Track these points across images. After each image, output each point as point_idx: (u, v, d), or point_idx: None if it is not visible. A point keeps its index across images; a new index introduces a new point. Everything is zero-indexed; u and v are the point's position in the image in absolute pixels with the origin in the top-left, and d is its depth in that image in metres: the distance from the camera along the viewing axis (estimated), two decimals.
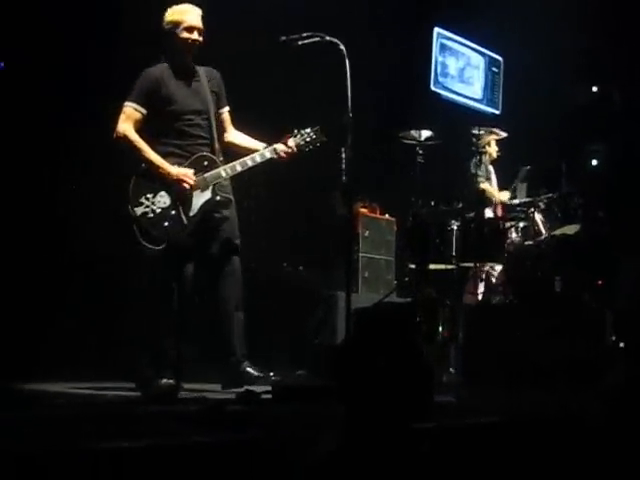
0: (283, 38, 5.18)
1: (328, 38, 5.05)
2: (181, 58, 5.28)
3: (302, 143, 5.41)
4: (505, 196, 8.48)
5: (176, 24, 5.21)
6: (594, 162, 10.81)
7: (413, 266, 7.37)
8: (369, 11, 8.13)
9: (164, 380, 4.83)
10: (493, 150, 8.52)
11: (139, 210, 4.92)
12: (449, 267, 7.26)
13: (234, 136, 5.46)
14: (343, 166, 5.24)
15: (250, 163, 5.26)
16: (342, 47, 4.97)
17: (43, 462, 2.54)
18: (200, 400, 4.52)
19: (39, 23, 5.99)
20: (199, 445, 2.95)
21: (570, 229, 7.79)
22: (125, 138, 5.04)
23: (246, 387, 4.88)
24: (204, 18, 5.26)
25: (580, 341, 6.57)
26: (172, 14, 5.26)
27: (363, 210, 8.23)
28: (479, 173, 7.81)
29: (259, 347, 5.50)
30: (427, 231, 7.13)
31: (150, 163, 5.03)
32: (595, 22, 9.66)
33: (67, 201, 6.28)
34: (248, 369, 5.11)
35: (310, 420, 3.81)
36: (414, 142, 7.50)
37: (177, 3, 5.29)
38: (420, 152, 7.44)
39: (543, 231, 7.72)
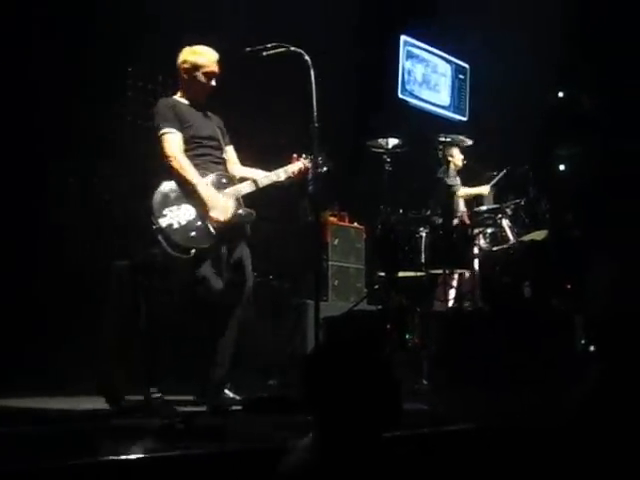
0: (248, 49, 5.19)
1: (293, 48, 5.05)
2: (195, 97, 5.34)
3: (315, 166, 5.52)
4: (485, 190, 8.47)
5: (195, 67, 5.27)
6: (561, 167, 10.89)
7: (383, 274, 7.38)
8: (335, 19, 8.14)
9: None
10: (458, 160, 8.52)
11: (164, 221, 4.90)
12: (419, 274, 7.27)
13: (239, 170, 5.50)
14: (310, 175, 5.27)
15: (266, 181, 5.36)
16: (307, 58, 4.98)
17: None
18: (171, 413, 4.49)
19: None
20: (170, 458, 2.93)
21: (538, 234, 7.83)
22: (177, 162, 5.04)
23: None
24: (220, 62, 5.32)
25: (550, 346, 6.61)
26: (192, 54, 5.30)
27: (332, 218, 8.23)
28: (451, 182, 7.84)
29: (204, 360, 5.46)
30: (396, 239, 7.14)
31: (193, 187, 5.03)
32: (562, 27, 9.73)
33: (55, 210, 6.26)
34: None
35: (281, 431, 3.80)
36: (382, 150, 7.52)
37: None
38: (388, 160, 7.47)
39: (511, 237, 7.75)
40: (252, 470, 3.01)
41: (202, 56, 5.30)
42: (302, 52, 5.00)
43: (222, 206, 5.10)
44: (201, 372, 5.20)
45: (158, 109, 5.22)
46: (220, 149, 5.39)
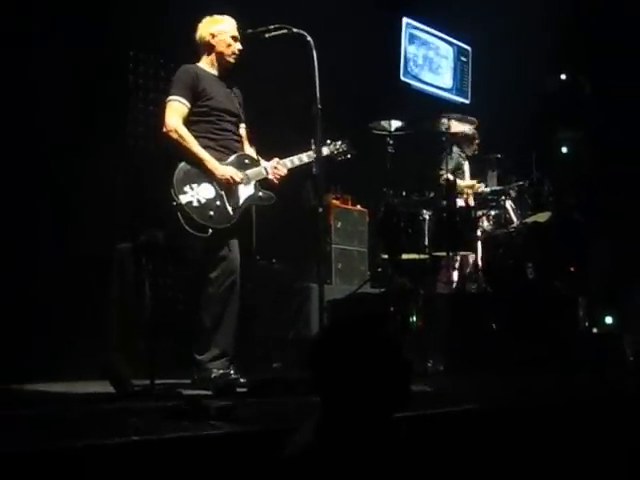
0: (250, 30, 5.21)
1: (295, 30, 5.04)
2: (221, 66, 5.39)
3: (335, 153, 5.69)
4: (480, 187, 8.44)
5: (222, 32, 5.35)
6: (564, 150, 10.87)
7: (386, 256, 7.38)
8: (337, 2, 8.10)
9: None
10: (476, 145, 8.52)
11: (184, 198, 4.93)
12: (422, 257, 7.26)
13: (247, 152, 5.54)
14: (314, 158, 5.28)
15: (289, 165, 5.45)
16: (309, 39, 4.96)
17: (20, 462, 2.52)
18: (176, 395, 4.50)
19: None
20: (176, 440, 2.94)
21: (541, 216, 7.82)
22: (176, 132, 5.07)
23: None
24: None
25: (553, 327, 6.62)
26: (214, 23, 5.38)
27: (335, 201, 8.23)
28: (449, 166, 7.80)
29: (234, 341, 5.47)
30: (399, 221, 7.13)
31: (199, 159, 5.07)
32: (563, 10, 9.70)
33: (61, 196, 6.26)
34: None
35: (286, 413, 3.81)
36: (384, 132, 7.50)
37: None
38: (391, 142, 7.45)
39: (514, 219, 7.74)
40: (258, 452, 3.01)
41: (224, 22, 5.38)
42: (304, 34, 4.98)
43: (234, 172, 5.15)
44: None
45: (177, 75, 5.27)
46: (239, 126, 5.42)
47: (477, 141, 8.56)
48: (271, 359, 6.63)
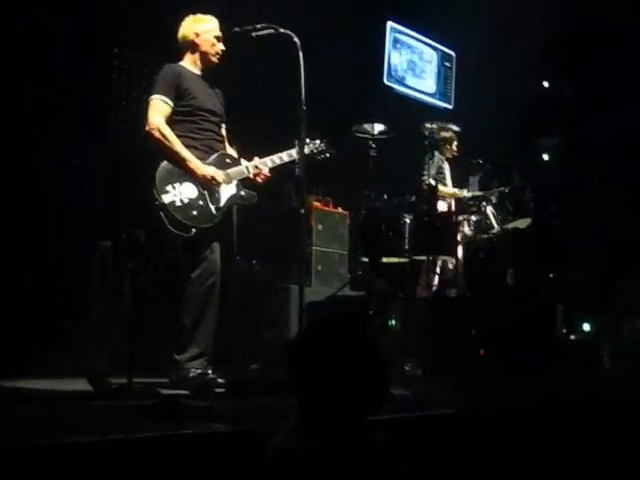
0: (236, 29, 5.19)
1: (282, 30, 5.04)
2: (205, 65, 5.39)
3: (315, 152, 5.73)
4: (463, 193, 8.44)
5: (206, 31, 5.36)
6: (545, 156, 10.91)
7: (366, 259, 7.38)
8: (323, 4, 8.11)
9: None
10: (454, 149, 8.54)
11: (167, 198, 4.92)
12: (402, 260, 7.27)
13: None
14: (296, 159, 5.28)
15: (270, 164, 5.45)
16: (296, 39, 4.97)
17: None
18: (154, 394, 4.48)
19: None
20: (154, 439, 2.93)
21: (522, 223, 7.85)
22: (158, 131, 5.05)
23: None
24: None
25: (531, 333, 6.64)
26: (197, 22, 5.39)
27: (316, 203, 8.22)
28: (430, 171, 7.81)
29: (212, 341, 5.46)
30: (380, 224, 7.13)
31: (181, 158, 5.06)
32: (546, 17, 9.74)
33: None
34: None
35: (264, 414, 3.81)
36: (367, 136, 7.52)
37: None
38: (373, 146, 7.47)
39: (495, 225, 7.77)
40: (236, 452, 3.01)
41: (207, 22, 5.39)
42: (291, 34, 4.99)
43: (215, 172, 5.15)
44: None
45: (161, 74, 5.24)
46: (221, 126, 5.42)
47: (456, 142, 8.56)
48: (250, 360, 6.61)
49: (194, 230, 4.96)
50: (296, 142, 5.30)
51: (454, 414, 4.03)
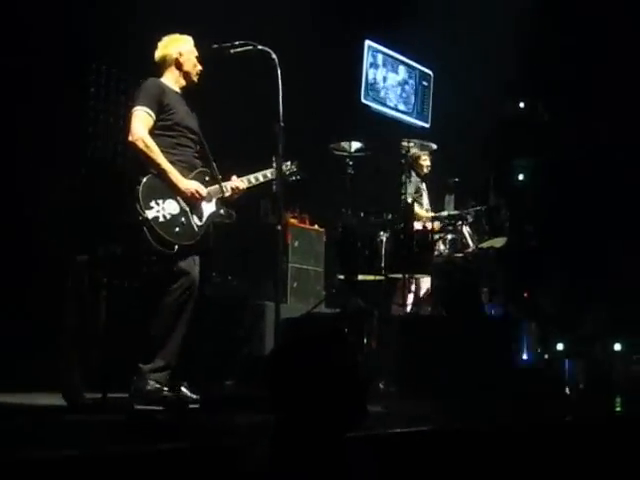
0: (215, 45, 5.21)
1: (260, 47, 5.06)
2: (183, 85, 5.39)
3: (287, 173, 5.66)
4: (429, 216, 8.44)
5: (189, 52, 5.37)
6: (520, 177, 10.98)
7: (342, 277, 7.38)
8: (301, 23, 8.14)
9: None
10: (425, 165, 8.57)
11: (150, 213, 4.87)
12: (378, 278, 7.28)
13: None
14: (272, 178, 5.30)
15: (246, 183, 5.46)
16: (274, 56, 4.98)
17: None
18: (128, 409, 4.46)
19: None
20: (128, 454, 2.91)
21: (497, 242, 7.88)
22: (142, 142, 5.02)
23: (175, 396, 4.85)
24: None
25: (505, 351, 6.66)
26: (176, 42, 5.38)
27: (293, 220, 8.23)
28: (408, 190, 7.83)
29: (186, 357, 5.43)
30: (356, 242, 7.14)
31: (163, 171, 5.03)
32: (523, 38, 9.83)
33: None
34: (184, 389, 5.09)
35: (239, 430, 3.80)
36: (344, 153, 7.53)
37: None
38: (350, 163, 7.48)
39: (471, 244, 7.79)
40: (210, 468, 2.99)
41: (185, 42, 5.39)
42: (269, 50, 5.00)
43: (198, 186, 5.14)
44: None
45: (145, 86, 5.23)
46: (199, 145, 5.39)
47: (424, 158, 8.57)
48: (224, 376, 6.59)
49: (176, 247, 4.93)
50: (273, 158, 5.31)
51: (430, 431, 4.03)
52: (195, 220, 5.11)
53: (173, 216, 4.99)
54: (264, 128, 5.27)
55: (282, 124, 4.94)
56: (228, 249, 6.93)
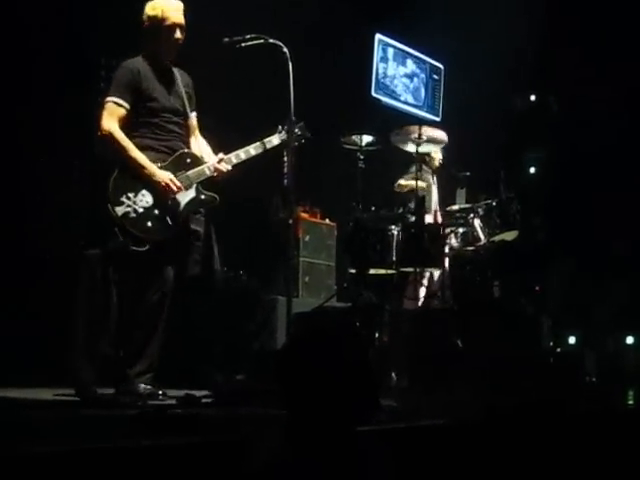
0: (226, 39, 5.14)
1: (271, 40, 5.04)
2: (161, 56, 5.15)
3: (295, 135, 5.39)
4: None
5: (159, 20, 5.06)
6: (532, 170, 10.95)
7: (353, 271, 7.37)
8: (312, 16, 8.13)
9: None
10: (436, 158, 8.57)
11: (120, 210, 4.74)
12: (389, 272, 7.27)
13: (197, 144, 5.34)
14: (285, 170, 5.26)
15: (234, 160, 5.25)
16: (285, 49, 4.96)
17: None
18: (140, 404, 4.46)
19: None
20: (140, 449, 2.91)
21: (509, 235, 7.85)
22: (111, 136, 4.87)
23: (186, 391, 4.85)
24: (185, 13, 5.13)
25: (517, 345, 6.65)
26: (154, 9, 5.08)
27: (304, 214, 8.22)
28: (419, 184, 7.79)
29: (198, 351, 5.45)
30: (367, 236, 7.12)
31: (134, 163, 4.86)
32: (533, 32, 9.80)
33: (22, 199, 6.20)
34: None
35: (251, 424, 3.79)
36: (355, 147, 7.52)
37: None
38: (361, 157, 7.47)
39: (482, 237, 7.76)
40: (222, 463, 3.00)
41: (164, 9, 5.08)
42: (280, 44, 4.98)
43: (172, 179, 4.95)
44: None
45: (116, 75, 5.06)
46: (185, 125, 5.20)
47: (436, 150, 8.56)
48: (236, 370, 6.59)
49: (148, 245, 4.80)
50: (279, 127, 5.23)
51: (443, 425, 4.02)
52: (170, 212, 4.92)
53: (146, 209, 4.84)
54: (275, 122, 5.24)
55: (293, 118, 4.92)
56: (240, 244, 6.94)
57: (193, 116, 5.32)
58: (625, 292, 9.72)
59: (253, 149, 5.30)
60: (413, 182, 7.75)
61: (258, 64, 5.97)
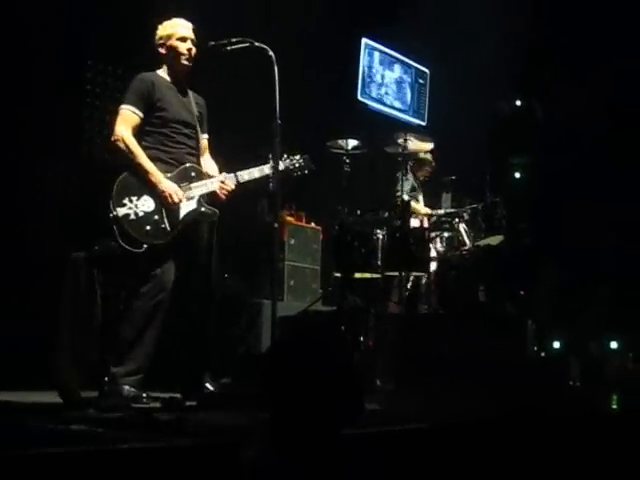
0: (212, 43, 5.16)
1: (257, 44, 5.03)
2: (176, 73, 5.31)
3: (291, 168, 5.53)
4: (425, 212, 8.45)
5: (168, 37, 5.27)
6: (517, 174, 11.00)
7: (338, 275, 7.38)
8: (299, 20, 8.14)
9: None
10: (426, 171, 8.60)
11: (121, 211, 4.83)
12: (374, 276, 7.28)
13: (206, 165, 5.42)
14: (271, 174, 5.26)
15: (239, 179, 5.34)
16: (271, 53, 4.96)
17: None
18: (125, 407, 4.45)
19: None
20: (123, 452, 2.90)
21: (494, 240, 7.88)
22: (123, 141, 4.98)
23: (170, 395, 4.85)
24: (195, 31, 5.33)
25: (502, 350, 6.66)
26: (163, 29, 5.31)
27: (289, 218, 8.23)
28: (404, 188, 7.81)
29: (184, 355, 5.43)
30: (353, 240, 7.13)
31: (143, 169, 4.98)
32: (518, 37, 9.84)
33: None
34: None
35: (237, 428, 3.79)
36: (341, 151, 7.52)
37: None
38: (347, 161, 7.47)
39: (467, 241, 7.79)
40: (207, 466, 2.99)
41: (172, 26, 5.30)
42: (266, 47, 4.98)
43: (175, 190, 5.04)
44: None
45: (132, 83, 5.18)
46: (196, 139, 5.32)
47: (427, 168, 8.60)
48: (220, 374, 6.59)
49: (145, 246, 4.87)
50: (270, 156, 5.27)
51: (428, 429, 4.03)
52: (170, 219, 5.00)
53: (146, 214, 4.93)
54: (261, 126, 5.24)
55: (279, 122, 4.92)
56: (225, 247, 6.93)
57: (204, 137, 5.45)
58: (610, 297, 9.76)
59: (257, 171, 5.38)
60: (416, 205, 7.87)
61: (244, 68, 5.97)
